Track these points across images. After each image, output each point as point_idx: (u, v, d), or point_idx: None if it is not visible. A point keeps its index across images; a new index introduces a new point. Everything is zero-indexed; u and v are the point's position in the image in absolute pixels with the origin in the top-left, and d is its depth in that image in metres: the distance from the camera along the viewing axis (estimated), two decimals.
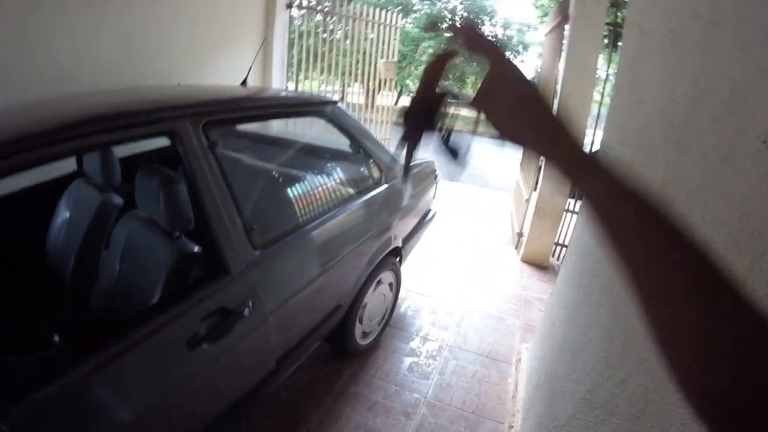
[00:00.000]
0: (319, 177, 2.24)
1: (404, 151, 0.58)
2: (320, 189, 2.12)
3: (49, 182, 2.09)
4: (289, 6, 4.65)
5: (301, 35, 5.11)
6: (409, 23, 18.21)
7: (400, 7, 17.59)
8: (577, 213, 3.78)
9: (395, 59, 5.55)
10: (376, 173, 2.41)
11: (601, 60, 3.90)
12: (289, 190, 2.11)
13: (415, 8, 19.37)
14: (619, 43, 2.17)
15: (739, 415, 0.31)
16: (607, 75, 3.93)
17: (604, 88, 3.72)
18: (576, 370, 1.43)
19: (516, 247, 4.43)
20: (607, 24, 3.54)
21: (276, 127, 3.21)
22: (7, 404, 0.96)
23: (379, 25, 5.31)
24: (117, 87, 1.94)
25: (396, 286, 2.79)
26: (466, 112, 0.55)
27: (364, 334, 2.56)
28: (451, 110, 0.55)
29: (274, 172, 2.27)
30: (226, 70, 3.87)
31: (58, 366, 1.07)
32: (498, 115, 0.49)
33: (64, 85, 2.22)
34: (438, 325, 2.99)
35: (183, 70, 3.52)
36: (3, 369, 1.19)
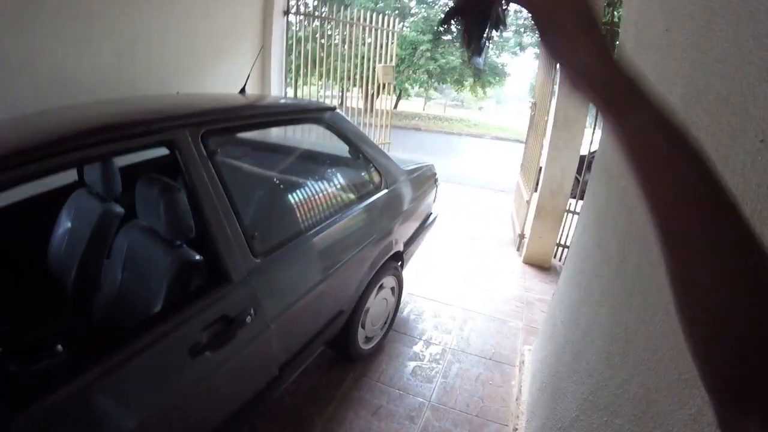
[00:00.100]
0: (319, 183, 2.24)
1: (469, 31, 0.51)
2: (320, 195, 2.13)
3: (49, 192, 2.10)
4: (286, 13, 4.67)
5: (299, 41, 5.12)
6: (407, 27, 18.27)
7: (397, 12, 17.67)
8: (577, 213, 3.78)
9: (393, 63, 5.56)
10: (376, 178, 2.42)
11: None
12: (289, 196, 2.11)
13: (412, 12, 19.44)
14: (616, 43, 2.18)
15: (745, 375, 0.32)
16: None
17: None
18: (578, 372, 1.43)
19: (517, 249, 4.43)
20: (603, 24, 3.55)
21: (275, 133, 3.22)
22: (11, 414, 0.97)
23: (376, 29, 5.32)
24: (116, 97, 1.95)
25: (398, 291, 2.79)
26: None
27: (367, 339, 2.56)
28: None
29: (274, 179, 2.28)
30: (225, 77, 3.88)
31: (61, 375, 1.08)
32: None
33: (63, 96, 2.24)
34: (441, 329, 2.99)
35: (182, 79, 3.53)
36: (6, 378, 1.19)
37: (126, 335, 1.22)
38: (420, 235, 2.91)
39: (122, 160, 1.97)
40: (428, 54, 17.99)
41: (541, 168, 4.15)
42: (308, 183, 2.21)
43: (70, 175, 2.15)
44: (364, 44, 5.41)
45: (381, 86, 5.55)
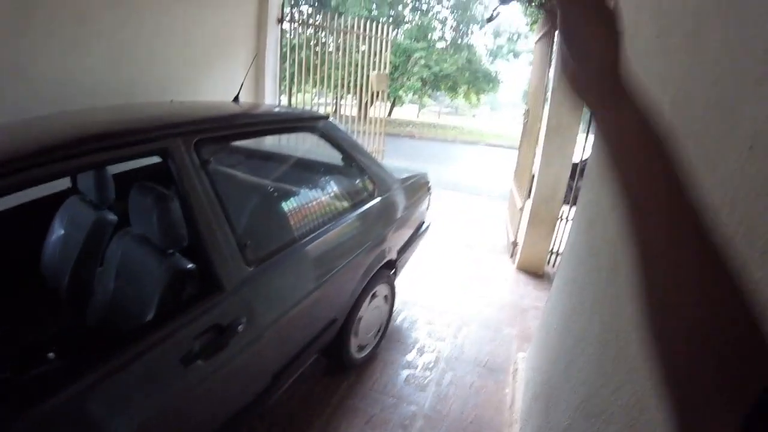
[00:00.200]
0: (312, 191, 2.25)
1: None
2: (313, 203, 2.13)
3: (42, 198, 2.09)
4: (281, 20, 4.69)
5: (293, 49, 5.14)
6: (400, 35, 18.38)
7: (391, 19, 17.78)
8: (571, 220, 3.79)
9: (387, 71, 5.59)
10: (369, 186, 2.42)
11: None
12: (282, 205, 2.11)
13: (405, 20, 19.57)
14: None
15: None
16: None
17: None
18: (571, 380, 1.43)
19: (511, 256, 4.44)
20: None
21: (269, 142, 3.22)
22: (4, 422, 0.96)
23: (370, 37, 5.36)
24: (109, 104, 1.94)
25: (391, 299, 2.79)
26: None
27: (360, 347, 2.55)
28: None
29: (267, 188, 2.28)
30: (219, 85, 3.88)
31: (53, 383, 1.07)
32: None
33: (56, 103, 2.22)
34: (434, 336, 2.99)
35: (175, 86, 3.53)
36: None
37: (118, 343, 1.22)
38: (413, 244, 2.92)
39: (115, 168, 1.97)
40: (422, 61, 18.10)
41: (534, 175, 4.17)
42: (301, 191, 2.21)
43: (63, 182, 2.14)
44: (358, 52, 5.44)
45: (375, 94, 5.58)
